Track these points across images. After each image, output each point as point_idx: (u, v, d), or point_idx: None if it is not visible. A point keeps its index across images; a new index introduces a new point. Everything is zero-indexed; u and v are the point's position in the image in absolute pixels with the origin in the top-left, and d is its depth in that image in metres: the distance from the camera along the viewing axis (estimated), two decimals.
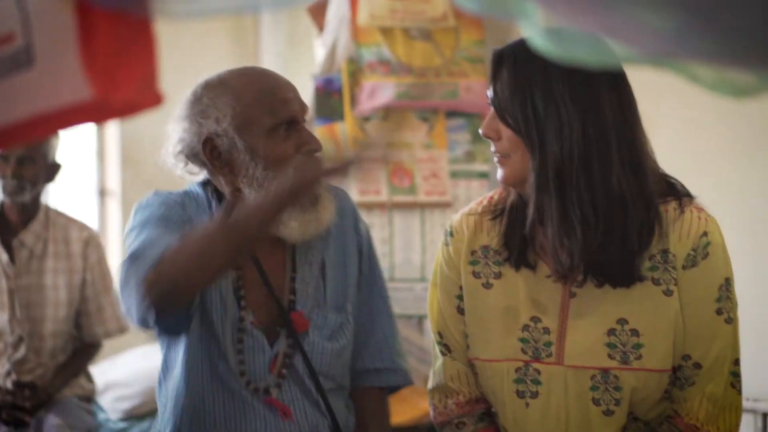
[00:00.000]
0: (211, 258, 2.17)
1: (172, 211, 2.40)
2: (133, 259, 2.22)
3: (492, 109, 2.29)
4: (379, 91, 4.73)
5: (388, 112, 4.73)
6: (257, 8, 1.17)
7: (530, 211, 2.25)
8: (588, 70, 2.15)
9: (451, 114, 4.82)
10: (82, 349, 4.30)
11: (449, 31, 4.82)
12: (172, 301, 2.20)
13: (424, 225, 4.77)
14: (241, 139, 2.37)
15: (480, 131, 2.33)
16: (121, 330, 4.36)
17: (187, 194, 2.48)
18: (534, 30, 1.09)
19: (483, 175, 4.83)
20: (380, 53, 4.76)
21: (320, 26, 4.97)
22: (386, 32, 4.78)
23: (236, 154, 2.38)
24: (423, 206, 4.77)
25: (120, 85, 1.11)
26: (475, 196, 4.76)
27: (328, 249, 2.55)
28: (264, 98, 2.41)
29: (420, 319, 4.80)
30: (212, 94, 2.41)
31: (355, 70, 4.76)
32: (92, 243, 4.31)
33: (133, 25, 1.12)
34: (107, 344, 4.49)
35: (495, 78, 2.28)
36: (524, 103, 2.22)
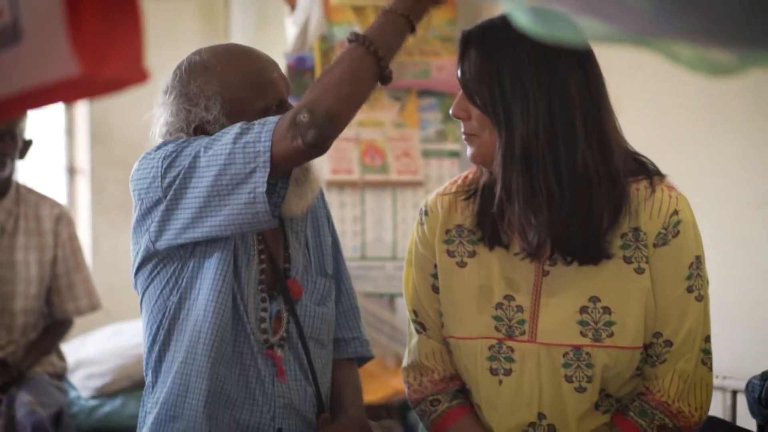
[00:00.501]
0: (362, 77, 2.22)
1: None
2: (241, 132, 2.25)
3: (461, 89, 2.31)
4: None
5: None
6: None
7: (497, 189, 2.26)
8: (555, 49, 2.17)
9: (423, 93, 4.82)
10: (53, 326, 4.29)
11: None
12: (333, 128, 2.21)
13: (395, 204, 4.77)
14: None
15: (450, 111, 2.35)
16: (93, 307, 4.35)
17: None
18: (517, 7, 1.09)
19: (454, 155, 4.83)
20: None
21: (291, 5, 4.96)
22: (358, 10, 4.77)
23: None
24: (395, 185, 4.77)
25: (107, 61, 1.12)
26: (447, 176, 4.83)
27: (306, 219, 2.57)
28: (252, 81, 2.42)
29: (392, 298, 4.82)
30: (199, 81, 2.41)
31: (328, 48, 4.74)
32: (63, 219, 4.30)
33: (120, 1, 1.13)
34: (78, 322, 4.48)
35: (463, 58, 2.29)
36: (491, 82, 2.23)
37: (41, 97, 1.16)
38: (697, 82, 3.88)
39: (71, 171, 6.45)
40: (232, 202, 2.26)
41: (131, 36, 1.13)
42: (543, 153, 2.20)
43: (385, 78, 2.26)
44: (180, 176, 2.30)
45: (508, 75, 2.22)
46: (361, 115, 4.75)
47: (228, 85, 2.41)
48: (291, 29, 5.00)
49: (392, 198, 4.78)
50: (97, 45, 1.12)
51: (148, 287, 2.45)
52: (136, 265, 2.45)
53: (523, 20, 1.09)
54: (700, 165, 3.85)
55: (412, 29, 2.28)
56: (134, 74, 1.13)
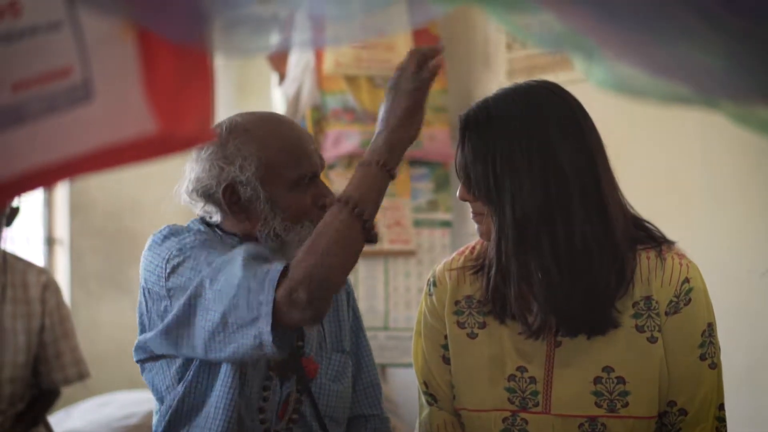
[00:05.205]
0: (351, 244, 2.19)
1: (204, 236, 2.38)
2: (245, 276, 2.20)
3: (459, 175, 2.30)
4: (344, 139, 4.74)
5: (352, 160, 4.72)
6: (320, 43, 1.16)
7: (492, 273, 2.25)
8: (549, 127, 2.18)
9: (414, 162, 4.82)
10: (41, 396, 4.24)
11: None
12: (329, 300, 2.19)
13: (387, 273, 4.76)
14: (263, 190, 2.36)
15: (456, 194, 2.34)
16: (81, 376, 4.30)
17: (198, 232, 2.43)
18: (595, 66, 1.09)
19: (445, 224, 4.83)
20: (345, 101, 4.77)
21: (281, 74, 4.97)
22: (351, 80, 4.79)
23: (257, 204, 2.37)
24: (387, 254, 4.76)
25: (183, 118, 1.09)
26: (438, 245, 4.82)
27: None
28: (289, 149, 2.41)
29: (383, 368, 4.78)
30: (238, 141, 2.39)
31: (320, 117, 4.76)
32: (51, 287, 4.27)
33: (194, 58, 1.10)
34: (63, 393, 4.42)
35: (461, 143, 2.28)
36: (485, 167, 2.22)
37: (115, 156, 1.13)
38: (696, 151, 3.89)
39: (50, 241, 6.40)
40: (238, 340, 2.22)
41: (203, 94, 1.11)
42: (538, 234, 2.19)
43: (371, 238, 2.24)
44: (185, 302, 2.26)
45: (500, 160, 2.21)
46: None
47: (266, 149, 2.39)
48: (278, 98, 5.00)
49: (384, 267, 4.76)
50: (173, 102, 1.10)
51: (153, 377, 2.44)
52: (139, 357, 2.42)
53: (601, 78, 1.09)
54: (701, 233, 3.86)
55: (392, 177, 2.27)
56: (205, 133, 1.11)
